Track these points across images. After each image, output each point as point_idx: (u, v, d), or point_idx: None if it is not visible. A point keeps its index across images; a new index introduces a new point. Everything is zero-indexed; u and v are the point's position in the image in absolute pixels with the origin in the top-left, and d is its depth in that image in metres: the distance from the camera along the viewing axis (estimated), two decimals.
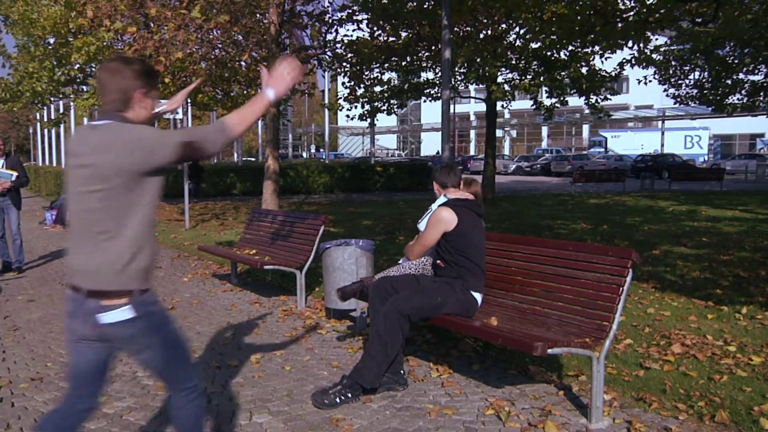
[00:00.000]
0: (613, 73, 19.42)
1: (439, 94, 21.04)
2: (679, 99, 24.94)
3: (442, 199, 4.50)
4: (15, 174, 8.47)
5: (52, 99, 20.27)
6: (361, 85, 16.94)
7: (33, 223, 14.98)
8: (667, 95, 25.70)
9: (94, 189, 2.37)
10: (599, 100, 20.46)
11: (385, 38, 14.57)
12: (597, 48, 16.24)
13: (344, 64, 14.73)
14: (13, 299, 7.03)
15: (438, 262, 4.33)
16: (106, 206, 2.37)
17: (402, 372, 4.10)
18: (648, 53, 17.96)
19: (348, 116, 20.39)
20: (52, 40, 16.83)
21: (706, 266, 7.95)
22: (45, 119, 26.93)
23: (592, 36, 11.09)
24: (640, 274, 7.31)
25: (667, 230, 11.65)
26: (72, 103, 21.47)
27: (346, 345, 5.07)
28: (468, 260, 4.21)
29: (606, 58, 17.19)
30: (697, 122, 48.28)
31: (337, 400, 3.80)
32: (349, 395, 3.83)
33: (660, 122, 49.27)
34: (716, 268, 7.78)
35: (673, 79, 24.09)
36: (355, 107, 20.01)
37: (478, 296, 4.21)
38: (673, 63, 23.30)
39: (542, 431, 3.41)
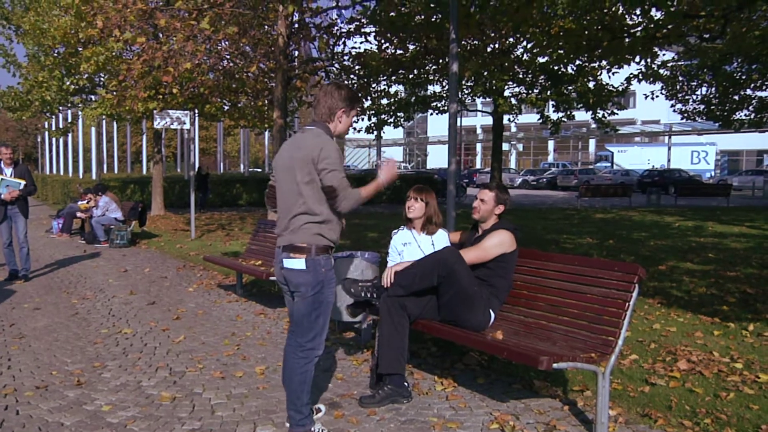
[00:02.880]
0: (620, 88, 19.46)
1: (445, 107, 21.14)
2: (686, 114, 24.96)
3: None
4: (23, 182, 8.52)
5: (60, 108, 20.42)
6: (368, 98, 17.00)
7: (39, 231, 15.04)
8: (675, 110, 25.72)
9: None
10: (606, 115, 20.49)
11: (393, 51, 14.62)
12: (604, 63, 16.30)
13: (351, 76, 14.77)
14: (19, 307, 7.05)
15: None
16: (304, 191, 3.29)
17: (406, 384, 4.09)
18: (655, 68, 18.01)
19: (355, 128, 20.48)
20: (61, 50, 16.99)
21: (712, 282, 7.92)
22: (53, 128, 27.08)
23: (600, 51, 11.12)
24: (646, 290, 7.28)
25: (673, 246, 11.62)
26: (80, 113, 21.62)
27: (350, 357, 5.06)
28: (503, 284, 4.32)
29: (613, 73, 17.23)
30: (704, 138, 48.20)
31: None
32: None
33: (667, 137, 49.22)
34: (723, 285, 7.75)
35: (680, 95, 24.12)
36: (362, 119, 20.10)
37: (492, 315, 4.23)
38: (681, 78, 23.34)
39: None
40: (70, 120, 25.61)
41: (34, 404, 4.09)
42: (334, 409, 3.96)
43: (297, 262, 3.29)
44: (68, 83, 17.53)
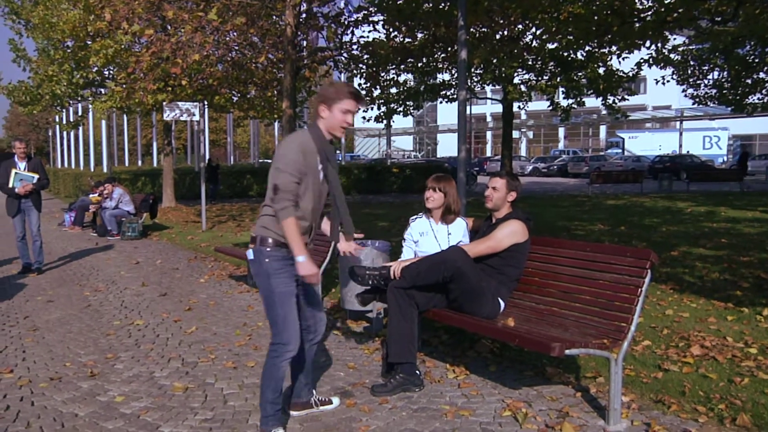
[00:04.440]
0: (630, 74, 19.29)
1: (455, 96, 21.03)
2: (697, 99, 24.72)
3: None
4: (37, 176, 8.57)
5: (70, 102, 20.49)
6: (377, 87, 16.94)
7: (52, 224, 15.14)
8: (686, 95, 25.48)
9: None
10: (616, 101, 20.32)
11: (401, 39, 14.55)
12: (614, 48, 16.14)
13: (360, 65, 14.72)
14: (32, 300, 7.10)
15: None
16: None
17: (418, 373, 4.09)
18: (666, 53, 17.82)
19: (364, 118, 20.42)
20: (70, 44, 17.03)
21: (725, 267, 7.85)
22: (64, 122, 27.20)
23: (610, 36, 11.01)
24: (658, 276, 7.23)
25: (685, 231, 11.53)
26: (90, 106, 21.68)
27: (362, 346, 5.07)
28: (514, 272, 4.31)
29: (623, 59, 17.07)
30: (716, 122, 47.76)
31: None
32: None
33: (678, 123, 48.82)
34: (736, 270, 7.68)
35: (691, 79, 23.88)
36: (371, 109, 20.04)
37: (502, 304, 4.21)
38: (692, 63, 23.11)
39: None
40: (80, 113, 25.72)
41: (49, 395, 4.12)
42: (346, 397, 3.96)
43: (249, 252, 3.37)
44: (78, 77, 17.57)
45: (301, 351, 3.47)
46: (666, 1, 9.61)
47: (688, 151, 25.79)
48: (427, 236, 4.59)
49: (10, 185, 8.45)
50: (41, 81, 18.14)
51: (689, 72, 23.63)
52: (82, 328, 5.82)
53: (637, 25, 10.09)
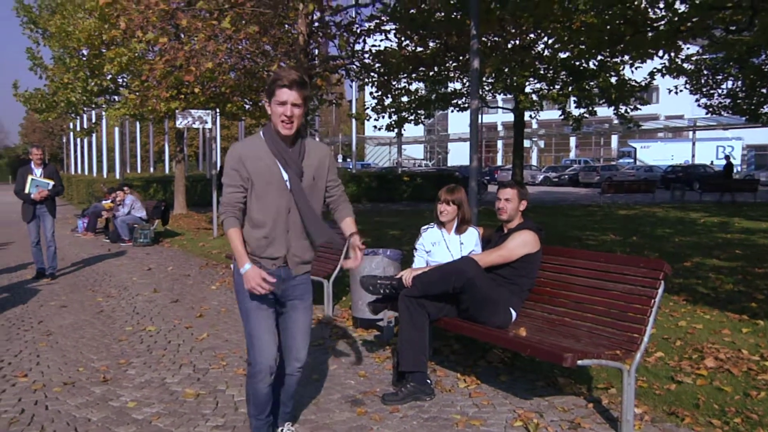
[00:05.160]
0: (642, 83, 19.22)
1: (466, 105, 21.04)
2: (711, 109, 24.59)
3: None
4: (52, 183, 8.64)
5: (85, 109, 20.68)
6: (389, 95, 16.97)
7: (65, 230, 15.24)
8: (699, 105, 25.36)
9: None
10: (629, 110, 20.25)
11: (413, 48, 14.58)
12: (627, 57, 16.12)
13: (372, 74, 14.77)
14: (46, 305, 7.15)
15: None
16: None
17: (429, 382, 4.08)
18: (679, 62, 17.77)
19: (375, 126, 20.46)
20: (86, 52, 17.19)
21: (739, 279, 7.79)
22: (78, 129, 27.44)
23: (622, 45, 10.98)
24: (671, 287, 7.18)
25: (698, 242, 11.46)
26: (104, 113, 21.87)
27: (373, 355, 5.06)
28: (526, 282, 4.30)
29: (636, 68, 17.03)
30: (730, 132, 47.48)
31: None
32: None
33: (691, 132, 48.56)
34: (751, 281, 7.62)
35: (705, 89, 23.76)
36: (383, 117, 20.06)
37: (514, 314, 4.20)
38: (705, 72, 22.99)
39: None
40: (94, 120, 25.94)
41: (62, 400, 4.14)
42: (356, 406, 3.96)
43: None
44: (92, 84, 17.75)
45: (279, 377, 3.21)
46: (679, 11, 9.58)
47: (711, 162, 25.38)
48: (440, 246, 4.59)
49: (26, 191, 8.53)
50: (57, 88, 18.35)
51: (703, 81, 23.51)
52: (95, 334, 5.85)
53: (650, 34, 10.07)
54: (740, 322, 5.72)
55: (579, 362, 3.32)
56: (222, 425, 3.69)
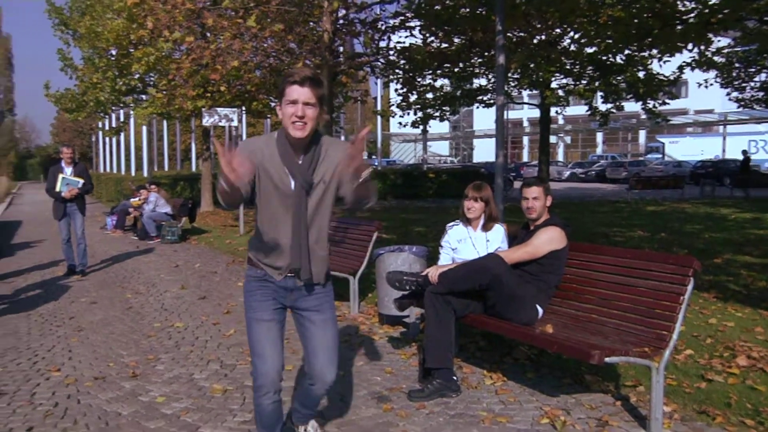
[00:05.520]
0: (671, 77, 18.94)
1: (491, 101, 20.95)
2: (743, 102, 24.16)
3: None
4: (82, 181, 8.79)
5: (113, 108, 20.97)
6: (414, 92, 16.95)
7: (94, 227, 15.48)
8: (730, 99, 24.93)
9: None
10: (656, 105, 19.97)
11: (438, 44, 14.55)
12: (655, 51, 15.88)
13: (397, 71, 14.77)
14: (77, 301, 7.28)
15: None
16: None
17: (455, 378, 4.07)
18: (709, 55, 17.46)
19: (400, 123, 20.46)
20: (114, 52, 17.44)
21: None
22: (107, 128, 27.85)
23: (650, 39, 10.81)
24: (700, 284, 7.07)
25: (729, 238, 11.26)
26: (132, 112, 22.16)
27: (399, 351, 5.07)
28: (552, 279, 4.28)
29: (664, 62, 16.78)
30: (763, 126, 46.55)
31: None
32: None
33: (722, 127, 47.72)
34: None
35: (736, 82, 23.34)
36: (408, 114, 20.05)
37: (540, 310, 4.18)
38: (737, 65, 22.57)
39: None
40: (122, 119, 26.31)
41: (94, 394, 4.21)
42: (382, 402, 3.97)
43: None
44: (120, 84, 18.00)
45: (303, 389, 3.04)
46: (710, 2, 9.39)
47: (746, 154, 24.66)
48: (465, 243, 4.58)
49: (57, 189, 8.68)
50: (86, 88, 18.64)
51: (734, 75, 23.10)
52: (124, 330, 5.94)
53: (679, 27, 9.89)
54: None
55: (606, 359, 3.29)
56: (249, 420, 3.73)
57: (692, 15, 10.10)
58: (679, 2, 10.61)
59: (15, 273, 9.27)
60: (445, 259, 4.66)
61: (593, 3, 9.55)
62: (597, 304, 4.03)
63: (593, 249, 4.32)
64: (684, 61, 16.81)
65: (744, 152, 25.47)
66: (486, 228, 4.56)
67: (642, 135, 59.80)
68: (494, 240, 4.53)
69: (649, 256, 3.89)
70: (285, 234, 2.73)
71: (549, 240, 4.23)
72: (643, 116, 23.68)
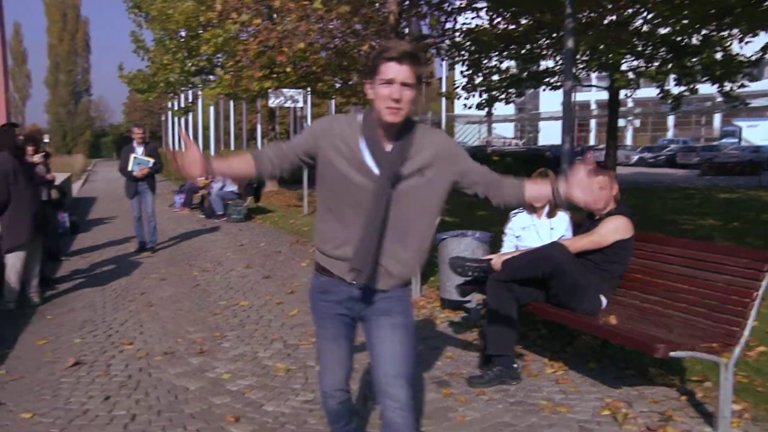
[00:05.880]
0: (752, 58, 18.01)
1: (558, 83, 20.44)
2: None
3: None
4: (152, 160, 9.09)
5: (182, 89, 21.51)
6: (479, 74, 16.73)
7: (163, 206, 15.96)
8: None
9: None
10: (734, 88, 19.08)
11: (505, 26, 14.31)
12: (735, 31, 15.15)
13: (462, 52, 14.60)
14: (147, 277, 7.56)
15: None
16: None
17: (516, 366, 4.06)
18: None
19: (465, 105, 20.23)
20: (183, 34, 17.86)
21: None
22: (176, 108, 28.63)
23: (730, 18, 10.29)
24: None
25: None
26: (200, 92, 22.67)
27: (460, 336, 5.08)
28: (617, 269, 4.21)
29: (746, 43, 15.97)
30: None
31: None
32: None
33: None
34: None
35: None
36: (473, 96, 19.80)
37: (604, 301, 4.11)
38: None
39: None
40: (191, 100, 26.94)
41: (163, 368, 4.39)
42: (442, 387, 4.00)
43: None
44: (189, 65, 18.44)
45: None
46: None
47: None
48: (529, 231, 4.54)
49: (129, 169, 9.00)
50: (157, 69, 19.19)
51: None
52: (192, 307, 6.15)
53: (766, 4, 9.34)
54: None
55: (671, 354, 3.22)
56: (311, 400, 3.82)
57: None
58: None
59: (91, 249, 9.69)
60: (509, 247, 4.63)
61: None
62: (663, 296, 3.94)
63: (661, 240, 4.21)
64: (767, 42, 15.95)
65: None
66: (550, 215, 4.50)
67: (717, 119, 57.39)
68: (558, 228, 4.47)
69: (721, 249, 3.79)
70: (356, 227, 2.32)
71: (615, 229, 4.14)
72: (719, 99, 22.64)
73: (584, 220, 4.52)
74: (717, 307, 3.57)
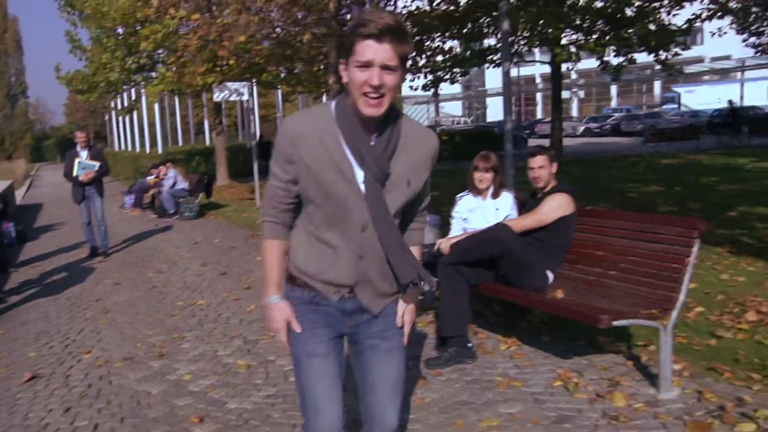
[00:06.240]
0: (684, 27, 18.59)
1: (500, 60, 20.73)
2: (760, 48, 23.67)
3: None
4: (98, 164, 8.95)
5: (124, 87, 21.05)
6: (423, 56, 16.84)
7: (113, 207, 15.70)
8: (747, 45, 24.41)
9: None
10: (669, 57, 19.65)
11: (445, 7, 14.42)
12: (666, 2, 15.60)
13: None
14: (101, 283, 7.48)
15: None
16: None
17: (470, 345, 4.20)
18: (723, 2, 17.06)
19: (411, 87, 20.36)
20: (121, 31, 17.46)
21: None
22: (119, 107, 28.02)
23: None
24: (713, 238, 7.10)
25: (745, 190, 11.22)
26: (143, 90, 22.22)
27: (417, 320, 5.18)
28: (562, 245, 4.36)
29: (673, 15, 16.45)
30: None
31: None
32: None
33: (739, 73, 46.78)
34: None
35: (753, 27, 22.79)
36: (418, 77, 19.93)
37: (551, 276, 4.27)
38: (754, 9, 21.99)
39: (610, 402, 3.44)
40: (134, 98, 26.38)
41: (124, 375, 4.40)
42: None
43: None
44: (130, 62, 18.05)
45: None
46: None
47: (732, 104, 24.29)
48: (475, 213, 4.66)
49: (74, 174, 8.84)
50: (96, 69, 18.73)
51: (750, 20, 22.53)
52: (149, 310, 6.13)
53: None
54: None
55: (615, 323, 3.38)
56: (273, 394, 3.89)
57: None
58: None
59: (40, 258, 9.51)
60: (456, 230, 4.75)
61: None
62: (606, 268, 4.12)
63: (602, 213, 4.39)
64: (694, 14, 16.48)
65: (730, 102, 25.15)
66: (495, 196, 4.64)
67: (657, 86, 58.83)
68: (503, 208, 4.60)
69: (656, 219, 3.97)
70: (347, 239, 2.01)
71: (557, 206, 4.30)
72: (658, 67, 23.22)
73: (528, 199, 4.67)
74: (655, 274, 3.75)
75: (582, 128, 44.04)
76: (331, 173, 1.95)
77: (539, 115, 62.87)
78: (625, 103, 59.84)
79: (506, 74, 6.26)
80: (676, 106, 47.72)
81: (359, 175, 1.95)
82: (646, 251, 3.86)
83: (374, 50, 1.80)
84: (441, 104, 56.65)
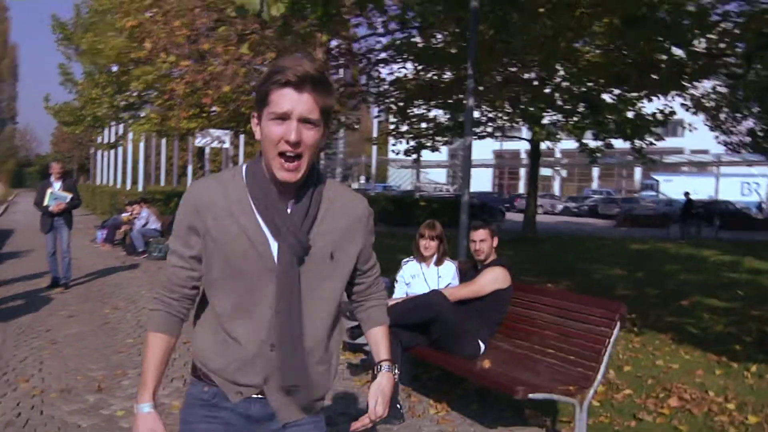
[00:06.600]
0: (659, 117, 19.24)
1: (484, 133, 21.30)
2: (731, 146, 24.54)
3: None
4: (70, 196, 9.06)
5: (111, 123, 21.31)
6: (406, 122, 17.30)
7: (85, 240, 15.68)
8: (718, 142, 25.31)
9: None
10: (644, 146, 20.26)
11: (430, 77, 14.93)
12: (643, 92, 16.24)
13: (388, 100, 15.13)
14: (56, 314, 7.50)
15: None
16: None
17: (399, 407, 4.30)
18: (699, 98, 17.77)
19: (394, 151, 20.80)
20: (114, 69, 17.81)
21: (733, 320, 7.88)
22: (104, 142, 28.21)
23: (628, 84, 11.16)
24: (660, 325, 7.31)
25: (703, 281, 11.52)
26: (129, 128, 22.46)
27: (355, 378, 5.29)
28: (495, 316, 4.54)
29: (641, 107, 17.08)
30: (755, 169, 47.00)
31: None
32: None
33: (715, 168, 48.18)
34: (743, 323, 7.69)
35: (723, 126, 23.73)
36: (400, 143, 20.39)
37: (482, 345, 4.43)
38: (725, 109, 22.96)
39: None
40: (120, 134, 26.61)
41: (57, 405, 4.43)
42: (330, 426, 4.18)
43: None
44: (119, 100, 18.35)
45: None
46: (676, 57, 9.73)
47: (688, 196, 25.02)
48: (418, 279, 4.85)
49: (45, 203, 8.94)
50: (85, 103, 19.01)
51: (722, 119, 23.49)
52: (98, 344, 6.16)
53: (654, 77, 10.26)
54: (717, 364, 5.86)
55: (531, 396, 3.53)
56: None
57: (663, 66, 10.44)
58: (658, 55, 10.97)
59: (0, 283, 9.49)
60: (399, 293, 4.91)
61: (572, 48, 9.92)
62: (535, 342, 4.29)
63: (536, 290, 4.60)
64: (665, 104, 17.12)
65: (686, 194, 25.76)
66: (438, 264, 4.83)
67: (638, 172, 60.22)
68: (445, 276, 4.79)
69: (583, 300, 4.17)
70: (256, 327, 1.70)
71: (493, 279, 4.49)
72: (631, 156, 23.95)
73: (469, 269, 4.87)
74: (577, 352, 3.93)
75: (561, 207, 44.83)
76: (241, 246, 1.66)
77: (521, 189, 63.77)
78: (606, 185, 61.04)
79: (467, 148, 6.55)
80: (655, 193, 48.81)
81: (275, 248, 1.67)
82: (572, 330, 4.05)
83: (292, 100, 1.57)
84: (427, 170, 57.51)
